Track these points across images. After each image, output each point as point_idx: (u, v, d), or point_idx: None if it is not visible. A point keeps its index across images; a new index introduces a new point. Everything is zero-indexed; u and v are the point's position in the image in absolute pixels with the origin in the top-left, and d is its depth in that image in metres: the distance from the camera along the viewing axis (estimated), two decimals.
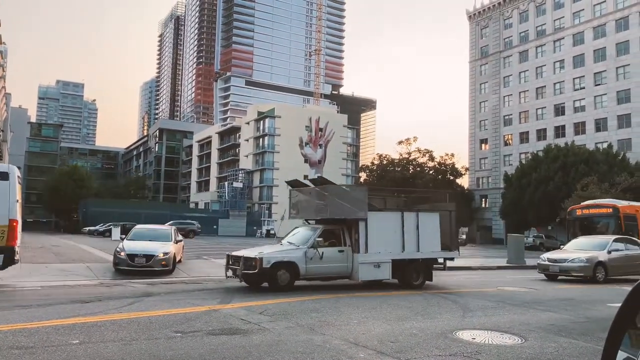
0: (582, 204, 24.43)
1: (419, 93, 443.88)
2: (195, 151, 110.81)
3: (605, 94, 67.04)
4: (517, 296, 12.41)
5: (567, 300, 11.80)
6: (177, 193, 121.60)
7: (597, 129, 67.35)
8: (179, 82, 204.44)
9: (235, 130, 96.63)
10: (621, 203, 24.08)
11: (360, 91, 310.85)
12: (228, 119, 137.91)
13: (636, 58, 64.15)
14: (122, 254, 15.17)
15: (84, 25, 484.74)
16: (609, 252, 16.55)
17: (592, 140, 64.52)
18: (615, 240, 17.42)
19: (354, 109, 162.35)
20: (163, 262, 15.19)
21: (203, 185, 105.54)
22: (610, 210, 22.63)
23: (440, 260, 14.26)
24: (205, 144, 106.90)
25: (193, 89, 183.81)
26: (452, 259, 14.58)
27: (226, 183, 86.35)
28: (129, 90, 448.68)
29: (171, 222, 44.01)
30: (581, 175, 45.75)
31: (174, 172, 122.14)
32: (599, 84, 67.94)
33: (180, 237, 19.10)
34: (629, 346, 1.16)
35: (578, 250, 17.30)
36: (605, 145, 59.15)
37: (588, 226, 23.18)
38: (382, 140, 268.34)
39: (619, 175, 44.01)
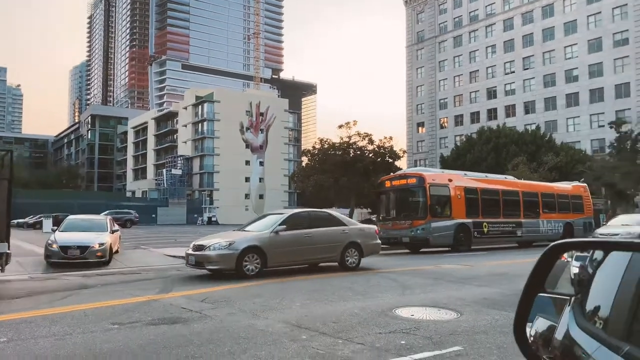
0: (391, 174, 21.89)
1: (360, 77, 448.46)
2: (131, 138, 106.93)
3: (533, 77, 70.42)
4: (454, 273, 12.91)
5: (500, 275, 12.40)
6: (113, 182, 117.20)
7: (526, 112, 70.75)
8: (112, 66, 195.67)
9: (173, 115, 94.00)
10: (429, 172, 22.00)
11: (300, 75, 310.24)
12: (165, 104, 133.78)
13: (560, 43, 67.65)
14: (54, 246, 14.48)
15: (4, 3, 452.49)
16: (276, 233, 12.12)
17: (521, 122, 67.70)
18: (292, 216, 13.00)
19: (295, 93, 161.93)
20: (99, 254, 14.64)
21: (140, 173, 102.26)
22: (417, 180, 20.14)
23: None
24: (141, 130, 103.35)
25: (127, 73, 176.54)
26: None
27: (164, 170, 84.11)
28: (57, 75, 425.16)
29: (107, 211, 42.42)
30: (512, 156, 47.97)
31: (108, 160, 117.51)
32: (528, 68, 71.22)
33: (116, 227, 18.49)
34: (553, 314, 1.21)
35: (250, 231, 12.93)
36: (533, 126, 62.23)
37: (398, 198, 21.19)
38: (323, 124, 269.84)
39: (546, 155, 46.52)
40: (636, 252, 1.14)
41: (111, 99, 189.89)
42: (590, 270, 1.22)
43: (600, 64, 63.73)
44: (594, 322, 1.13)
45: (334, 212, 15.05)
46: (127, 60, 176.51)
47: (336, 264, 13.34)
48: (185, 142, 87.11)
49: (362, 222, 21.31)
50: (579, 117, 65.40)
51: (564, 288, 1.31)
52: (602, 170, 42.66)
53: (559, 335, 1.18)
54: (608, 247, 1.28)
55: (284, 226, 12.29)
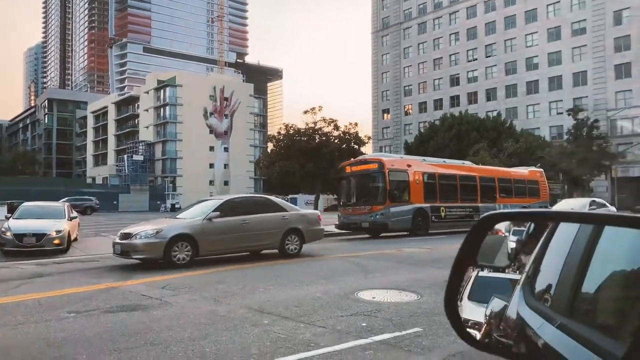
0: (351, 160, 21.65)
1: (327, 63, 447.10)
2: (90, 123, 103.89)
3: (495, 65, 71.71)
4: (414, 256, 13.12)
5: None
6: (72, 168, 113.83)
7: (488, 99, 72.10)
8: (69, 49, 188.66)
9: (134, 100, 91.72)
10: (388, 157, 22.10)
11: (266, 60, 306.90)
12: (126, 88, 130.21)
13: (521, 31, 69.01)
14: (8, 234, 13.95)
15: None
16: (209, 220, 11.62)
17: (483, 109, 68.97)
18: (228, 202, 12.48)
19: (260, 78, 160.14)
20: (56, 241, 14.20)
21: (100, 159, 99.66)
22: (376, 165, 20.09)
23: None
24: (101, 114, 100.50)
25: (85, 56, 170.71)
26: None
27: (125, 156, 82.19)
28: (10, 57, 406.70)
29: (66, 198, 41.20)
30: (473, 142, 48.93)
31: (67, 145, 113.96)
32: (490, 56, 72.44)
33: (74, 214, 17.99)
34: (508, 294, 1.21)
35: (182, 218, 12.45)
36: (494, 113, 63.50)
37: (358, 184, 21.27)
38: (290, 110, 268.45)
39: (506, 141, 47.64)
40: (569, 222, 1.15)
41: (69, 82, 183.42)
42: (530, 245, 1.23)
43: (559, 53, 65.36)
44: (541, 300, 1.14)
45: (273, 197, 14.73)
46: (85, 43, 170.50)
47: (276, 250, 12.99)
48: (147, 127, 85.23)
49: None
50: (538, 104, 67.06)
51: (501, 263, 1.33)
52: (560, 156, 44.05)
53: (509, 313, 1.19)
54: (539, 218, 1.28)
55: (218, 212, 11.81)
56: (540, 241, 1.24)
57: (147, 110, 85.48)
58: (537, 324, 1.07)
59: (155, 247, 10.91)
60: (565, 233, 1.12)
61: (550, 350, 0.91)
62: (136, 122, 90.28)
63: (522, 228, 1.25)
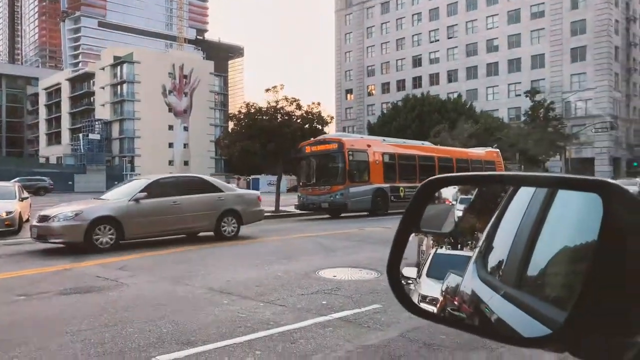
0: (311, 139, 21.67)
1: (289, 41, 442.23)
2: (43, 100, 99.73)
3: (457, 47, 72.55)
4: (375, 235, 13.25)
5: None
6: (24, 147, 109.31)
7: (449, 80, 73.06)
8: (19, 21, 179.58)
9: (89, 76, 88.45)
10: (348, 137, 22.24)
11: (227, 38, 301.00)
12: (80, 64, 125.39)
13: (482, 13, 69.92)
14: None
15: None
16: (136, 201, 11.04)
17: (445, 91, 69.90)
18: (157, 182, 11.88)
19: (221, 55, 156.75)
20: (7, 222, 13.67)
21: (54, 138, 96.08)
22: (336, 145, 20.11)
23: None
24: (54, 91, 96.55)
25: (36, 30, 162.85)
26: None
27: (81, 135, 79.49)
28: None
29: (17, 178, 39.61)
30: (435, 124, 49.58)
31: (17, 123, 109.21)
32: (451, 37, 73.19)
33: (26, 195, 17.36)
34: (463, 269, 1.20)
35: (106, 199, 11.87)
36: (455, 95, 64.47)
37: (318, 164, 21.09)
38: (252, 90, 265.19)
39: (466, 122, 48.52)
40: (512, 185, 1.14)
41: (19, 57, 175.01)
42: (476, 211, 1.24)
43: (518, 35, 66.62)
44: (493, 273, 1.14)
45: (209, 177, 14.18)
46: (36, 15, 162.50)
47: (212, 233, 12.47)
48: (104, 105, 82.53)
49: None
50: (497, 86, 68.42)
51: (447, 230, 1.33)
52: (517, 137, 45.23)
53: (462, 288, 1.18)
54: (483, 182, 1.26)
55: (145, 193, 11.18)
56: (496, 213, 1.23)
57: (103, 88, 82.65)
58: (487, 296, 1.07)
59: (74, 230, 10.24)
60: (519, 202, 1.12)
61: (498, 319, 0.95)
62: (92, 99, 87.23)
63: (470, 196, 1.26)
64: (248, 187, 75.68)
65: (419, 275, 1.31)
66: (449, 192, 1.24)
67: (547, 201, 0.97)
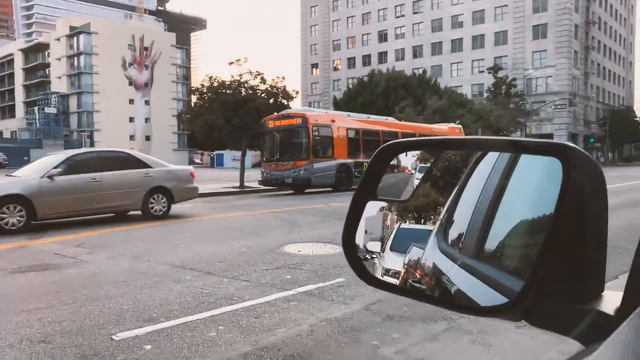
0: (274, 114, 21.32)
1: (254, 14, 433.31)
2: None
3: (422, 22, 72.66)
4: (340, 210, 13.31)
5: None
6: None
7: (415, 56, 73.31)
8: None
9: (44, 47, 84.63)
10: (312, 112, 22.18)
11: (189, 9, 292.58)
12: (34, 34, 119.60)
13: None
14: None
15: None
16: (49, 178, 10.27)
17: (410, 66, 70.16)
18: (74, 158, 11.19)
19: (183, 27, 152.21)
20: None
21: (7, 111, 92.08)
22: (300, 120, 19.99)
23: None
24: (6, 62, 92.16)
25: None
26: None
27: (36, 108, 76.40)
28: None
29: None
30: (400, 99, 49.85)
31: None
32: (417, 13, 73.19)
33: None
34: (426, 242, 1.18)
35: (17, 176, 11.07)
36: (420, 71, 64.82)
37: (281, 139, 20.90)
38: (217, 64, 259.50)
39: (430, 98, 48.97)
40: (473, 149, 1.12)
41: None
42: (432, 179, 1.23)
43: (482, 12, 67.18)
44: (453, 245, 1.13)
45: (136, 152, 13.38)
46: None
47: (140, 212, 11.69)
48: (60, 78, 79.32)
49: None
50: (462, 62, 69.11)
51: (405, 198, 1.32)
52: (480, 112, 46.02)
53: (423, 260, 1.16)
54: (444, 145, 1.24)
55: (60, 169, 10.38)
56: (458, 183, 1.20)
57: (59, 60, 79.30)
58: (447, 267, 1.07)
59: None
60: (481, 171, 1.10)
61: (457, 290, 0.96)
62: (47, 71, 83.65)
63: (428, 165, 1.24)
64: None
65: (383, 249, 1.31)
66: (408, 161, 1.23)
67: (509, 169, 0.96)
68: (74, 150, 12.51)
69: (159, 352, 3.72)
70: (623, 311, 0.58)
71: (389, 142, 1.07)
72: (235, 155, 47.77)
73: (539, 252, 0.67)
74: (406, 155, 1.19)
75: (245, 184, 22.15)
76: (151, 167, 11.84)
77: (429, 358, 3.63)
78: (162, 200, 11.87)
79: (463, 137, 1.09)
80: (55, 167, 10.42)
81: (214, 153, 65.46)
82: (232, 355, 3.67)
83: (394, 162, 1.17)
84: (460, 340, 3.96)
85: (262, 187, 21.06)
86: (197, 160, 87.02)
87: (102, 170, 11.06)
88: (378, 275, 1.25)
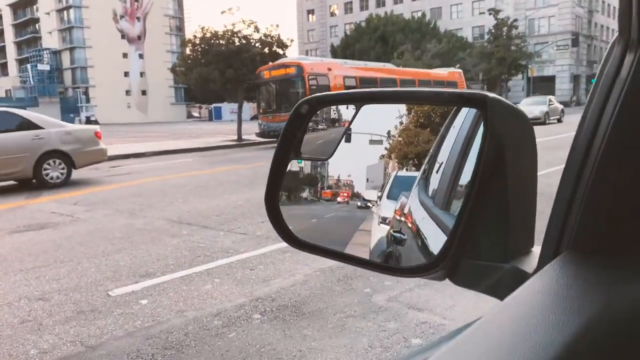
0: (270, 64, 20.86)
1: None
2: None
3: None
4: None
5: None
6: None
7: None
8: None
9: (32, 1, 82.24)
10: (308, 60, 21.82)
11: None
12: None
13: None
14: None
15: None
16: None
17: (408, 9, 68.21)
18: None
19: None
20: None
21: (0, 70, 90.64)
22: (295, 70, 19.58)
23: None
24: None
25: None
26: None
27: (29, 66, 75.00)
28: None
29: None
30: (398, 45, 48.79)
31: None
32: None
33: None
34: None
35: None
36: (419, 14, 63.07)
37: (277, 90, 20.55)
38: (209, 13, 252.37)
39: (430, 42, 47.90)
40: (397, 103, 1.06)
41: None
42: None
43: None
44: (429, 194, 1.13)
45: (23, 111, 11.62)
46: None
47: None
48: (51, 33, 77.50)
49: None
50: (461, 4, 67.10)
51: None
52: (480, 56, 45.08)
53: (405, 209, 1.13)
54: (367, 99, 1.16)
55: None
56: (440, 132, 1.14)
57: (48, 14, 77.24)
58: (420, 216, 1.07)
59: None
60: (458, 120, 1.05)
61: (422, 237, 0.98)
62: (37, 27, 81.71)
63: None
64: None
65: (380, 197, 1.29)
66: (350, 114, 1.16)
67: (477, 119, 0.96)
68: None
69: (154, 306, 3.78)
70: (538, 269, 0.57)
71: (308, 97, 1.00)
72: (233, 108, 47.31)
73: (461, 207, 0.66)
74: (347, 108, 1.12)
75: (243, 136, 22.02)
76: (43, 128, 10.29)
77: (421, 303, 3.69)
78: (60, 166, 10.47)
79: (389, 89, 1.00)
80: None
81: (212, 106, 64.76)
82: (227, 306, 3.73)
83: (334, 116, 1.10)
84: (451, 285, 4.00)
85: (260, 139, 20.95)
86: (195, 114, 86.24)
87: None
88: (375, 223, 1.21)
